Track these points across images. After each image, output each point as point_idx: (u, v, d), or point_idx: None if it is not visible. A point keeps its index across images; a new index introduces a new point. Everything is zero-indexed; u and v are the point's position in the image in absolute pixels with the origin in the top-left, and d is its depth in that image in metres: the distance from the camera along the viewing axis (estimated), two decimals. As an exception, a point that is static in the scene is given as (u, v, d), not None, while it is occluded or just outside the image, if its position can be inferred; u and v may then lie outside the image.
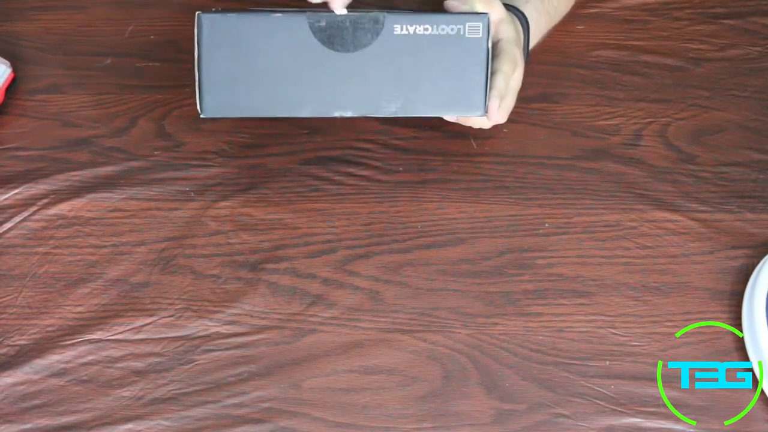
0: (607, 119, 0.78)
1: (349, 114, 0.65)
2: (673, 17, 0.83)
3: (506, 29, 0.69)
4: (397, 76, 0.65)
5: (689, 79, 0.80)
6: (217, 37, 0.63)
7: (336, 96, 0.65)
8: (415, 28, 0.64)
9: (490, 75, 0.65)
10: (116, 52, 0.81)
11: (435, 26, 0.64)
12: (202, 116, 0.65)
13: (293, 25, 0.63)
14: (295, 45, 0.64)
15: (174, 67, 0.79)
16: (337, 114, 0.65)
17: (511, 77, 0.68)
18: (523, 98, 0.77)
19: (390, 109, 0.65)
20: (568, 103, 0.79)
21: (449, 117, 0.71)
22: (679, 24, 0.82)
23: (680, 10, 0.83)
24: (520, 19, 0.72)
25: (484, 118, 0.68)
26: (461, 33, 0.64)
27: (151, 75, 0.79)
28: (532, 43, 0.76)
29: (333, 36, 0.64)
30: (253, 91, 0.64)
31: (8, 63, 0.77)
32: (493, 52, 0.67)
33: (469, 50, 0.65)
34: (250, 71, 0.64)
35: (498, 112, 0.67)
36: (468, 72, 0.65)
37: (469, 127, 0.74)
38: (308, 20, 0.63)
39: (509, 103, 0.69)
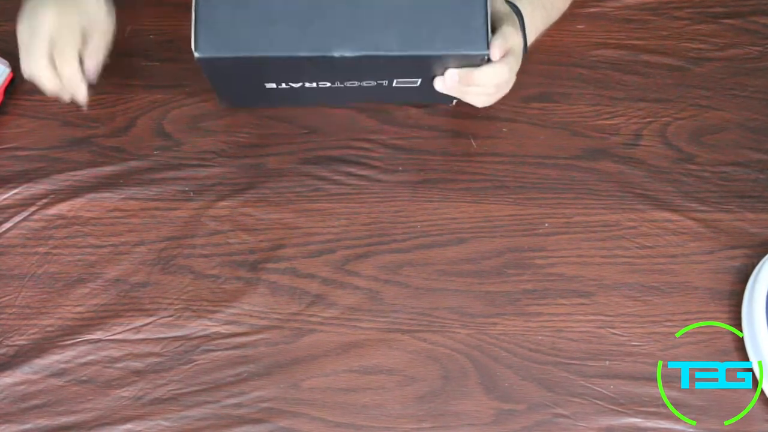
0: (607, 119, 0.78)
1: (348, 53, 0.63)
2: (673, 17, 0.83)
3: (507, 21, 0.68)
4: (397, 15, 0.63)
5: (689, 79, 0.80)
6: None
7: (334, 35, 0.63)
8: None
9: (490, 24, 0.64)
10: (116, 52, 0.81)
11: None
12: (196, 56, 0.62)
13: None
14: None
15: (174, 67, 0.79)
16: (335, 53, 0.63)
17: (508, 42, 0.67)
18: (523, 98, 0.77)
19: (389, 46, 0.63)
20: (568, 102, 0.78)
21: (450, 81, 0.69)
22: (680, 23, 0.82)
23: (680, 9, 0.83)
24: (516, 13, 0.72)
25: (481, 92, 0.66)
26: None
27: (150, 75, 0.79)
28: (530, 38, 0.75)
29: None
30: (249, 31, 0.63)
31: (7, 63, 0.76)
32: (494, 27, 0.66)
33: None
34: (246, 10, 0.62)
35: (499, 65, 0.65)
36: (469, 11, 0.63)
37: (467, 126, 0.74)
38: None
39: (504, 89, 0.68)
